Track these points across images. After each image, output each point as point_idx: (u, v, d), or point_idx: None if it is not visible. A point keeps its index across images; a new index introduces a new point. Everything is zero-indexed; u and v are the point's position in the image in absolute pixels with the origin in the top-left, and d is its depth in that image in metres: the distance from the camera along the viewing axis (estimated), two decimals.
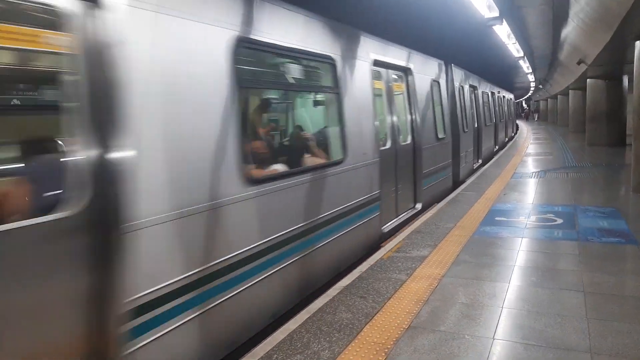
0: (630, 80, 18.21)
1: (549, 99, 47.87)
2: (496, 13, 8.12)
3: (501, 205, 8.12)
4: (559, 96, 37.21)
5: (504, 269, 4.96)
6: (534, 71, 28.42)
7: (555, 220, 6.86)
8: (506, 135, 23.53)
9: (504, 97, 23.25)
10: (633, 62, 14.41)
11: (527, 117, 64.90)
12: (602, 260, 5.12)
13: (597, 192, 9.58)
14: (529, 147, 19.95)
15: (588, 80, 18.43)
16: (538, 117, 60.14)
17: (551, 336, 3.47)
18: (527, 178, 11.11)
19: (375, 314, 3.95)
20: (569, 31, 12.08)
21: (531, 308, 3.97)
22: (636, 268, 4.83)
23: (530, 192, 9.35)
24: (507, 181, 10.70)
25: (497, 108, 19.84)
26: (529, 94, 55.98)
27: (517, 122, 42.08)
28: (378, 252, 5.78)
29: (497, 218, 7.20)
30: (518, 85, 43.70)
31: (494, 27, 9.61)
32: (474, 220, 7.05)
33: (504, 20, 8.79)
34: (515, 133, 30.60)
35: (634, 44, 8.73)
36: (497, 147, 19.27)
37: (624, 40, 8.75)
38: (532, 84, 40.70)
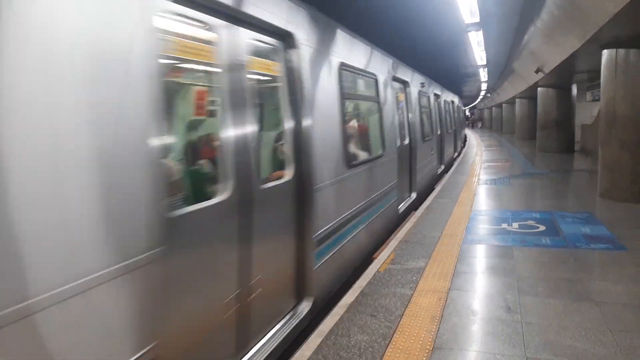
0: (580, 89, 19.18)
1: (493, 108, 49.83)
2: (477, 19, 8.15)
3: (479, 212, 8.09)
4: (503, 105, 38.79)
5: (507, 279, 4.82)
6: (488, 79, 29.40)
7: (538, 227, 6.87)
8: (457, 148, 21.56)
9: (456, 105, 23.82)
10: (583, 72, 15.19)
11: (472, 124, 67.97)
12: (600, 268, 5.12)
13: (567, 198, 9.82)
14: (484, 154, 20.47)
15: (539, 88, 19.16)
16: (481, 125, 63.11)
17: (582, 351, 3.32)
18: (493, 185, 11.26)
19: (393, 335, 3.67)
20: (531, 40, 12.44)
21: (551, 322, 3.82)
22: (638, 275, 4.82)
23: (502, 199, 9.43)
24: (475, 188, 10.78)
25: (455, 115, 20.28)
26: (476, 102, 58.08)
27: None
28: (373, 264, 5.51)
29: (480, 226, 7.14)
30: (466, 94, 45.22)
31: (468, 33, 9.69)
32: (458, 228, 6.95)
33: (481, 27, 8.87)
34: (464, 145, 28.61)
35: (600, 53, 9.02)
36: (455, 153, 19.70)
37: (593, 49, 9.02)
38: (482, 93, 42.20)
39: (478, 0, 7.98)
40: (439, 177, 13.37)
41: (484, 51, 13.44)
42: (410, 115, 9.23)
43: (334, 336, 3.67)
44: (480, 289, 4.64)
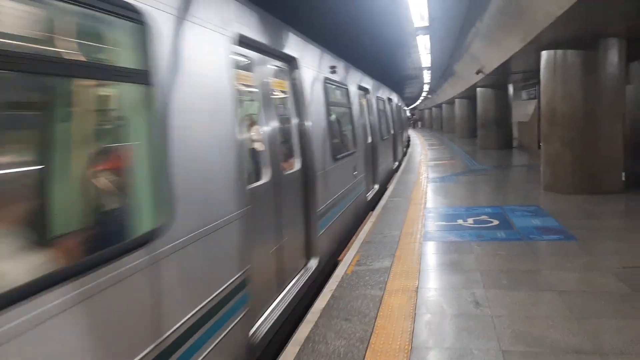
0: (516, 89, 20.16)
1: (433, 108, 51.55)
2: (426, 23, 8.33)
3: (433, 210, 8.27)
4: (443, 105, 40.24)
5: (471, 274, 4.92)
6: (431, 81, 30.32)
7: (492, 222, 7.11)
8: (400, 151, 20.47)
9: (402, 107, 24.44)
10: (518, 73, 15.98)
11: (414, 124, 70.83)
12: (555, 258, 5.34)
13: (513, 192, 10.25)
14: (428, 153, 21.08)
15: (478, 89, 20.00)
16: (422, 125, 66.11)
17: (554, 341, 3.42)
18: (442, 182, 11.57)
19: (370, 337, 3.62)
20: (473, 43, 12.93)
21: (519, 313, 3.93)
22: (590, 263, 5.07)
23: (453, 196, 9.69)
24: (426, 186, 11.03)
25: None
26: (417, 103, 59.86)
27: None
28: (339, 267, 5.47)
29: (436, 222, 7.29)
30: (408, 95, 46.44)
31: (417, 37, 9.90)
32: (416, 227, 7.05)
33: (429, 31, 9.09)
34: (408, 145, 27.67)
35: (538, 54, 9.49)
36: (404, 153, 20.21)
37: (531, 50, 9.48)
38: (424, 94, 43.53)
39: (428, 5, 8.17)
40: (395, 171, 14.25)
41: (429, 54, 13.87)
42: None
43: (312, 343, 3.58)
44: (447, 285, 4.70)
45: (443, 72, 24.21)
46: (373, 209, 8.84)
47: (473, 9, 10.37)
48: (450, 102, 33.94)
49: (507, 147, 19.70)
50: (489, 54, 12.59)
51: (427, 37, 11.77)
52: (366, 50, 17.04)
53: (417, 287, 4.62)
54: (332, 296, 4.52)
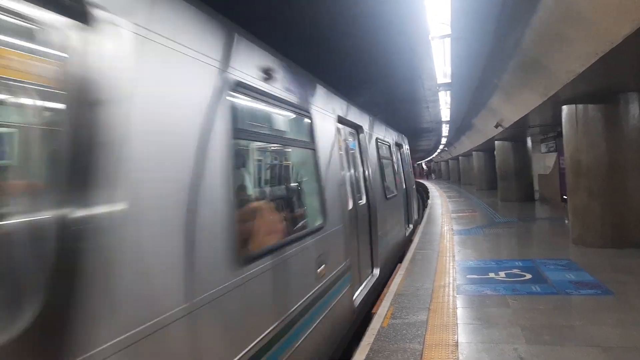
0: (535, 142, 20.31)
1: (449, 160, 51.79)
2: (449, 80, 8.66)
3: (464, 262, 8.22)
4: (460, 157, 40.45)
5: (511, 329, 4.86)
6: (449, 134, 30.74)
7: (525, 275, 7.03)
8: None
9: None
10: (535, 127, 16.16)
11: (427, 176, 73.38)
12: (595, 313, 5.25)
13: (542, 245, 10.14)
14: (449, 205, 21.02)
15: (496, 142, 20.19)
16: (435, 177, 69.16)
17: None
18: (468, 235, 11.52)
19: None
20: (492, 98, 13.25)
21: None
22: (631, 319, 4.97)
23: (481, 248, 9.63)
24: (452, 238, 10.98)
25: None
26: (433, 156, 60.33)
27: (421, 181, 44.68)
28: (374, 319, 5.44)
29: (468, 276, 7.23)
30: (424, 148, 46.85)
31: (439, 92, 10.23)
32: (447, 279, 7.01)
33: (451, 88, 9.40)
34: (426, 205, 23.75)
35: (557, 108, 9.69)
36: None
37: (550, 105, 9.68)
38: (441, 146, 43.93)
39: (452, 63, 8.53)
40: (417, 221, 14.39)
41: (449, 108, 14.26)
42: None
43: None
44: (487, 339, 4.64)
45: (459, 125, 24.57)
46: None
47: (492, 66, 10.71)
48: (467, 154, 34.15)
49: (528, 200, 19.60)
50: (508, 108, 12.85)
51: (448, 92, 12.13)
52: (394, 107, 17.55)
53: (457, 342, 4.57)
54: (371, 349, 4.49)
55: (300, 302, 3.61)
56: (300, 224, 4.27)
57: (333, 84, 5.64)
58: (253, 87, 3.19)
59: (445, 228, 12.73)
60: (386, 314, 5.53)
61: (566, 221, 11.98)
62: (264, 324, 2.97)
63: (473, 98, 14.97)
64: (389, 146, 10.34)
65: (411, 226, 12.27)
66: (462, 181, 40.87)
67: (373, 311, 5.98)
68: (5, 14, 1.61)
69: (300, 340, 3.52)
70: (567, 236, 9.84)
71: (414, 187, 15.10)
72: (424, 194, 31.01)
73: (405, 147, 16.78)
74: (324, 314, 4.18)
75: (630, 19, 4.88)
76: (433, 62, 9.07)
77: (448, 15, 7.19)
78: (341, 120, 5.80)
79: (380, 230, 7.31)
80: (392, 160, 10.39)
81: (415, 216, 13.96)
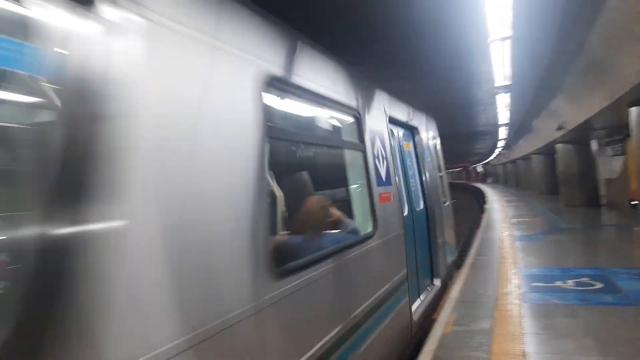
0: (600, 144, 19.35)
1: (507, 163, 50.13)
2: (509, 82, 8.45)
3: (528, 269, 7.96)
4: (518, 161, 39.07)
5: (583, 340, 4.68)
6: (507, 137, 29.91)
7: (594, 284, 6.72)
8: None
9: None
10: (599, 129, 15.36)
11: (482, 179, 71.31)
12: None
13: (611, 253, 9.65)
14: (508, 209, 20.37)
15: (558, 145, 19.38)
16: (491, 181, 66.36)
17: None
18: (530, 241, 11.12)
19: None
20: (553, 100, 12.77)
21: None
22: None
23: (545, 256, 9.28)
24: (512, 244, 10.66)
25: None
26: (489, 159, 58.67)
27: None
28: (436, 326, 5.40)
29: (533, 284, 7.00)
30: (479, 151, 45.67)
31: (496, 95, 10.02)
32: (511, 287, 6.82)
33: (510, 90, 9.16)
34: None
35: (623, 111, 9.22)
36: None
37: (617, 107, 9.23)
38: (498, 150, 42.75)
39: (512, 64, 8.32)
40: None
41: (508, 110, 13.86)
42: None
43: None
44: (558, 351, 4.48)
45: (518, 128, 23.78)
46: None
47: (554, 67, 10.34)
48: (526, 157, 32.95)
49: (593, 205, 18.62)
50: (571, 110, 12.34)
51: (508, 95, 11.78)
52: (447, 109, 17.32)
53: (525, 352, 4.46)
54: (435, 356, 4.46)
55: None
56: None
57: (391, 89, 5.49)
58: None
59: (505, 234, 12.37)
60: (448, 321, 5.47)
61: (635, 228, 11.33)
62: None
63: (533, 100, 14.49)
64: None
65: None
66: (520, 185, 39.47)
67: (434, 317, 5.93)
68: None
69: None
70: (637, 243, 9.31)
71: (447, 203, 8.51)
72: (480, 200, 30.22)
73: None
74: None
75: None
76: (492, 65, 8.87)
77: (509, 17, 7.04)
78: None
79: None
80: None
81: (450, 259, 7.86)
